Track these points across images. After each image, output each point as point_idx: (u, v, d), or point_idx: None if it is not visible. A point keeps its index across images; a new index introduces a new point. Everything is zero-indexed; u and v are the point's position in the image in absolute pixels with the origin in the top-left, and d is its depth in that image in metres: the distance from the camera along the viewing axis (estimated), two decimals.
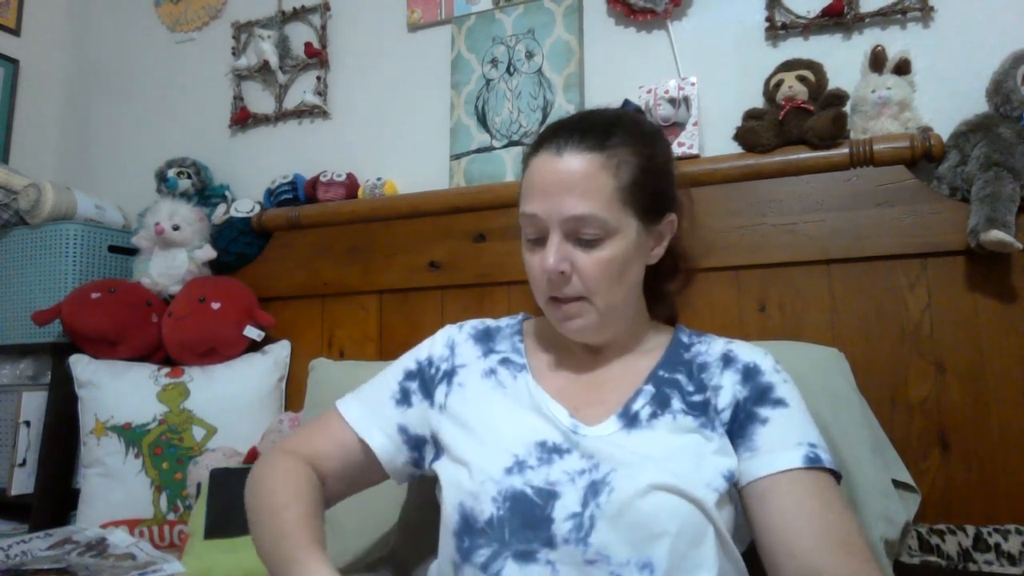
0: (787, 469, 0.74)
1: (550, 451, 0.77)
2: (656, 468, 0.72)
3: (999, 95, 1.24)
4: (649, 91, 1.50)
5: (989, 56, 1.28)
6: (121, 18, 2.29)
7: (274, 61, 1.96)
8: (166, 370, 1.67)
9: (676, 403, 0.80)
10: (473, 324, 0.96)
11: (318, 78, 1.95)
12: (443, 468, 0.83)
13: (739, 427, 0.79)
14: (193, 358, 1.70)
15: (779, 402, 0.80)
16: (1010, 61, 1.24)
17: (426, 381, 0.90)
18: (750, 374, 0.82)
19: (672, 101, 1.46)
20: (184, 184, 1.90)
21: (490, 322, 0.97)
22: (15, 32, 2.25)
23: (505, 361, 0.90)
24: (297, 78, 1.98)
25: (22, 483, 1.70)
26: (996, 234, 1.13)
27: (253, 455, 1.41)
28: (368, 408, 0.89)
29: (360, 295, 1.70)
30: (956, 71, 1.35)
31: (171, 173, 1.91)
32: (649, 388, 0.82)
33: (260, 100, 2.03)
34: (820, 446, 0.77)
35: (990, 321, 1.21)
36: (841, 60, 1.41)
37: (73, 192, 1.85)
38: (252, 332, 1.70)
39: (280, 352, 1.73)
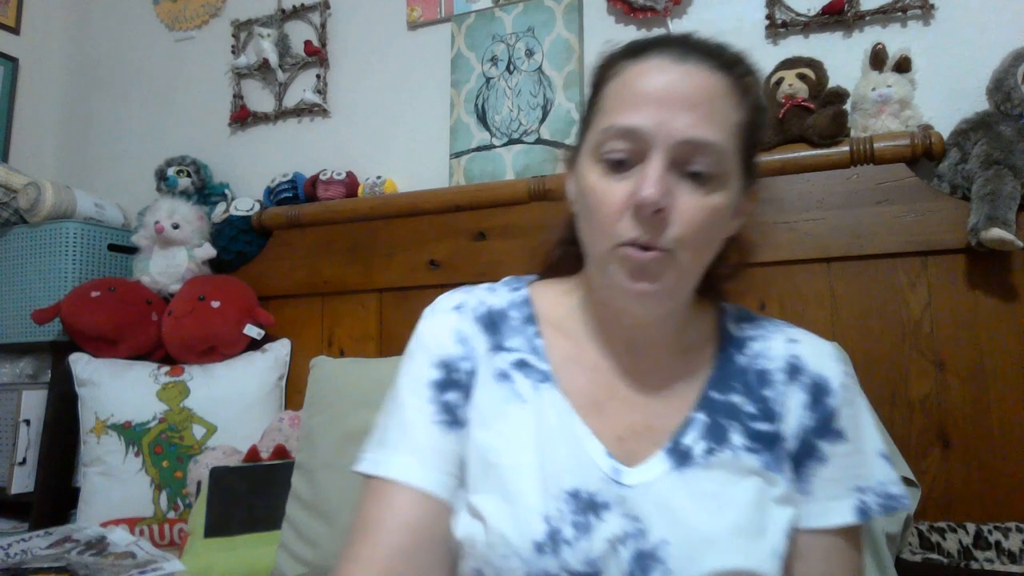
0: (835, 527, 0.66)
1: (585, 508, 0.62)
2: (718, 545, 0.61)
3: (999, 93, 1.24)
4: None
5: (989, 54, 1.28)
6: (120, 16, 2.29)
7: (274, 59, 1.96)
8: (166, 368, 1.67)
9: (736, 437, 0.66)
10: (473, 307, 0.73)
11: (318, 76, 1.95)
12: (458, 509, 0.66)
13: (798, 462, 0.68)
14: (193, 356, 1.69)
15: (839, 435, 0.68)
16: (1010, 59, 1.24)
17: (461, 387, 0.69)
18: (819, 396, 0.69)
19: None
20: (184, 183, 1.90)
21: (491, 302, 0.74)
22: (15, 31, 2.25)
23: (522, 365, 0.69)
24: (297, 76, 1.98)
25: (22, 482, 1.70)
26: (996, 232, 1.13)
27: (253, 453, 1.41)
28: (418, 454, 0.66)
29: (360, 293, 1.70)
30: (956, 69, 1.34)
31: (171, 171, 1.91)
32: (701, 417, 0.67)
33: (260, 98, 2.02)
34: (870, 488, 0.67)
35: (990, 319, 1.21)
36: (841, 58, 1.41)
37: (73, 191, 1.85)
38: (252, 331, 1.70)
39: (280, 350, 1.73)
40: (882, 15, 1.40)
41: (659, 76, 0.63)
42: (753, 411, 0.68)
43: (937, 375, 1.23)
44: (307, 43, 1.94)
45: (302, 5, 1.97)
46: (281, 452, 1.42)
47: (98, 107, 2.29)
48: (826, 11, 1.43)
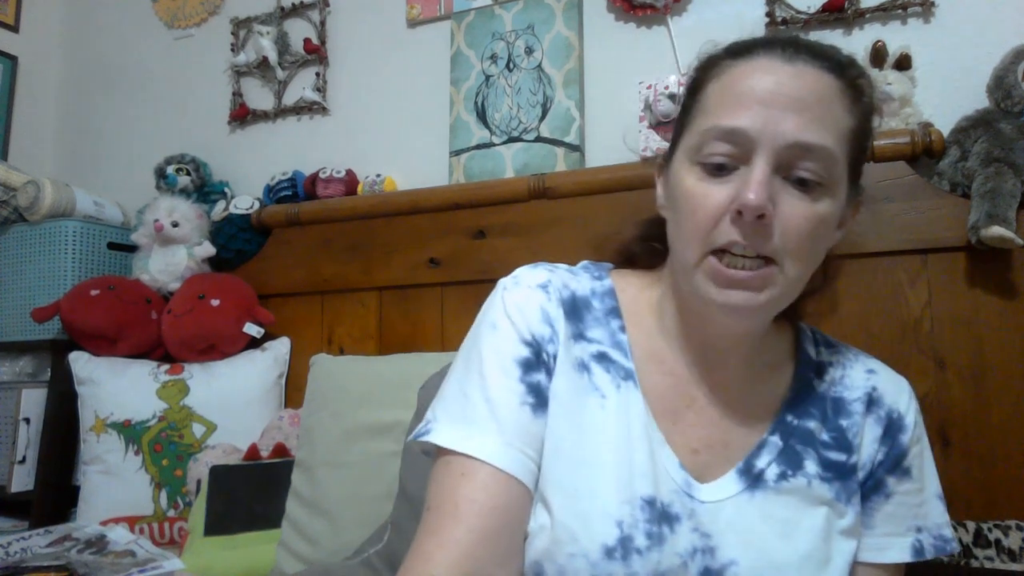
0: (890, 563, 0.67)
1: (659, 519, 0.60)
2: (787, 572, 0.61)
3: (1000, 90, 1.24)
4: (649, 87, 1.49)
5: (990, 51, 1.28)
6: (119, 14, 2.28)
7: (273, 57, 1.96)
8: (166, 367, 1.67)
9: (810, 465, 0.65)
10: (557, 288, 0.69)
11: (317, 74, 1.94)
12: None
13: (864, 495, 0.68)
14: (193, 355, 1.69)
15: (906, 473, 0.69)
16: (1011, 56, 1.24)
17: (549, 369, 0.66)
18: (892, 430, 0.69)
19: (672, 97, 1.46)
20: (183, 181, 1.90)
21: (575, 286, 0.70)
22: (14, 29, 2.24)
23: (603, 358, 0.66)
24: (296, 74, 1.98)
25: (22, 480, 1.70)
26: (997, 230, 1.13)
27: (253, 452, 1.41)
28: (505, 434, 0.61)
29: (360, 292, 1.69)
30: (957, 67, 1.34)
31: (170, 170, 1.91)
32: (775, 440, 0.66)
33: (259, 96, 2.02)
34: (927, 528, 0.69)
35: (990, 317, 1.21)
36: None
37: (72, 189, 1.84)
38: (252, 329, 1.70)
39: (280, 349, 1.73)
40: (882, 12, 1.40)
41: (766, 76, 0.59)
42: (828, 440, 0.67)
43: (937, 373, 1.22)
44: (306, 41, 1.94)
45: (301, 3, 1.97)
46: (281, 450, 1.42)
47: (97, 105, 2.29)
48: (826, 8, 1.43)
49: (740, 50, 0.63)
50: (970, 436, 1.19)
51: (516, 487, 0.60)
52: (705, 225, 0.59)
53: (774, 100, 0.58)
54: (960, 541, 1.08)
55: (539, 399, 0.63)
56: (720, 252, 0.59)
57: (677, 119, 0.68)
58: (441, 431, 0.63)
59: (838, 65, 0.61)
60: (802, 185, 0.59)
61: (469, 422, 0.62)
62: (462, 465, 0.60)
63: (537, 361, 0.65)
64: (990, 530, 1.08)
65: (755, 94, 0.59)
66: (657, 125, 1.47)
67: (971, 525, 1.09)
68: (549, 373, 0.65)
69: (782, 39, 0.62)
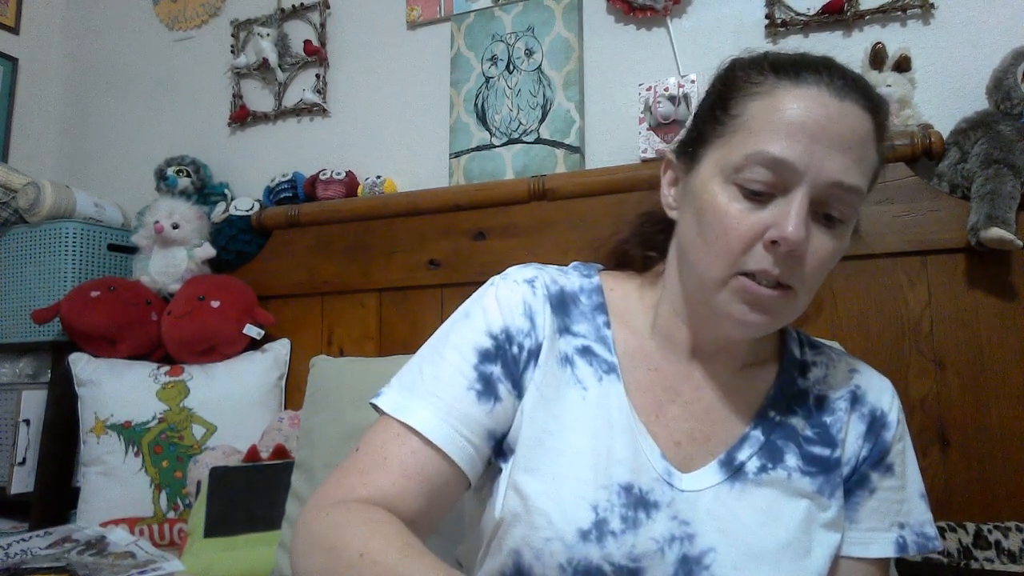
0: (874, 557, 0.69)
1: (636, 504, 0.62)
2: (765, 560, 0.62)
3: (999, 92, 1.24)
4: (649, 88, 1.49)
5: (989, 53, 1.29)
6: (120, 16, 2.29)
7: (273, 59, 1.96)
8: (166, 368, 1.67)
9: (791, 458, 0.67)
10: (545, 284, 0.71)
11: (317, 76, 1.95)
12: (499, 482, 0.66)
13: (848, 490, 0.70)
14: (193, 356, 1.69)
15: (889, 469, 0.70)
16: (1010, 58, 1.24)
17: (509, 364, 0.66)
18: (875, 427, 0.71)
19: (672, 99, 1.46)
20: (183, 182, 1.90)
21: (563, 282, 0.72)
22: (14, 30, 2.25)
23: (586, 352, 0.68)
24: (296, 76, 1.98)
25: (22, 482, 1.70)
26: (996, 231, 1.13)
27: (253, 453, 1.41)
28: (445, 411, 0.64)
29: (360, 293, 1.70)
30: (956, 68, 1.34)
31: (170, 171, 1.91)
32: (757, 435, 0.68)
33: (259, 98, 2.02)
34: (909, 525, 0.70)
35: (990, 319, 1.21)
36: (841, 57, 1.38)
37: (72, 190, 1.85)
38: (252, 330, 1.70)
39: (280, 350, 1.73)
40: (882, 14, 1.40)
41: (817, 108, 0.59)
42: (811, 435, 0.69)
43: (937, 374, 1.23)
44: (306, 43, 1.94)
45: (301, 5, 1.97)
46: (281, 452, 1.42)
47: (97, 107, 2.29)
48: (826, 10, 1.43)
49: (785, 68, 0.62)
50: (970, 437, 1.19)
51: (443, 460, 0.62)
52: (738, 247, 0.60)
53: (823, 136, 0.59)
54: (960, 542, 1.08)
55: (486, 387, 0.65)
56: (747, 273, 0.61)
57: (703, 120, 0.67)
58: (388, 396, 0.66)
59: (875, 105, 0.62)
60: (827, 220, 0.61)
61: (414, 394, 0.65)
62: (397, 428, 0.63)
63: (496, 354, 0.66)
64: (990, 531, 1.08)
65: (806, 127, 0.59)
66: (657, 127, 1.47)
67: (971, 526, 1.09)
68: (510, 366, 0.67)
69: (826, 65, 0.63)
